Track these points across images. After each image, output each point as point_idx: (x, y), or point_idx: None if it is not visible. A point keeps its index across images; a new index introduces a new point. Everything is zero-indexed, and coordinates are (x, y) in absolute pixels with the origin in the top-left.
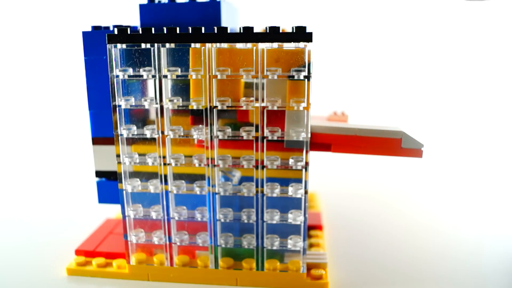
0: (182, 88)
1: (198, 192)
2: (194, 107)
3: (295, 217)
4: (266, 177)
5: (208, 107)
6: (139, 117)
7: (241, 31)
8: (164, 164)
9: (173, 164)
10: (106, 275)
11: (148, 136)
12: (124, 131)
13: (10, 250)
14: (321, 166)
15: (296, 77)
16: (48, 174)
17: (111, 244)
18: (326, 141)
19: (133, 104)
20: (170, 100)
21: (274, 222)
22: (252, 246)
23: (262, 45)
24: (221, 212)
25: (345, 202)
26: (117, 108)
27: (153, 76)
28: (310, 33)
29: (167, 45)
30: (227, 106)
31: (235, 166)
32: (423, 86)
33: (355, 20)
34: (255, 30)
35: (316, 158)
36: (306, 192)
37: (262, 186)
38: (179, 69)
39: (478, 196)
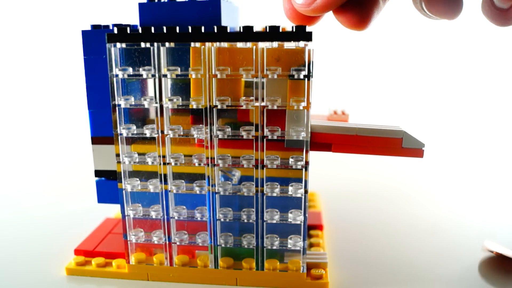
0: (182, 87)
1: (197, 192)
2: (194, 107)
3: (295, 217)
4: (266, 176)
5: (208, 107)
6: (138, 116)
7: (241, 30)
8: (164, 163)
9: (172, 164)
10: (106, 275)
11: (148, 135)
12: (124, 130)
13: (9, 250)
14: (321, 166)
15: (296, 77)
16: (47, 174)
17: (110, 244)
18: (327, 140)
19: (133, 103)
20: (169, 100)
21: (274, 221)
22: (252, 245)
23: (262, 44)
24: (221, 211)
25: (346, 202)
26: (117, 108)
27: (153, 76)
28: (310, 32)
29: (167, 44)
30: (227, 106)
31: (235, 165)
32: (423, 86)
33: None
34: (255, 29)
35: (316, 158)
36: (306, 192)
37: (262, 186)
38: (179, 68)
39: (479, 197)
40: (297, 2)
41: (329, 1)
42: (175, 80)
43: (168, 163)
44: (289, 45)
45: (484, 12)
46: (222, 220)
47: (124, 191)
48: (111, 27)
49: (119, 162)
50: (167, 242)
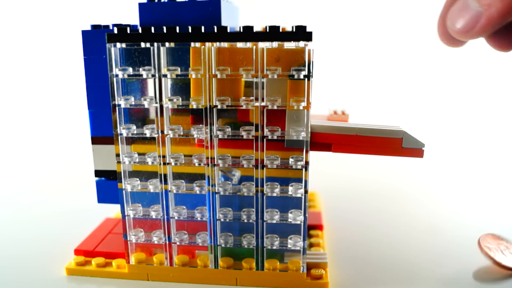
0: (182, 87)
1: (197, 192)
2: (194, 107)
3: (295, 217)
4: (266, 176)
5: (208, 107)
6: (138, 116)
7: (241, 30)
8: (164, 163)
9: (172, 164)
10: (106, 275)
11: (148, 135)
12: (124, 130)
13: (10, 250)
14: (321, 166)
15: (296, 76)
16: (47, 174)
17: (110, 244)
18: (327, 140)
19: (133, 103)
20: (169, 100)
21: (274, 221)
22: (252, 245)
23: (262, 44)
24: (221, 211)
25: (346, 202)
26: (117, 108)
27: (153, 76)
28: (310, 33)
29: (167, 44)
30: (227, 106)
31: (235, 165)
32: (424, 86)
33: (355, 20)
34: (255, 29)
35: (316, 157)
36: (306, 192)
37: (262, 186)
38: (179, 68)
39: (479, 196)
40: (454, 29)
41: (484, 29)
42: (175, 80)
43: (168, 163)
44: (289, 45)
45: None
46: (222, 220)
47: (124, 191)
48: (111, 27)
49: (119, 162)
50: (167, 242)
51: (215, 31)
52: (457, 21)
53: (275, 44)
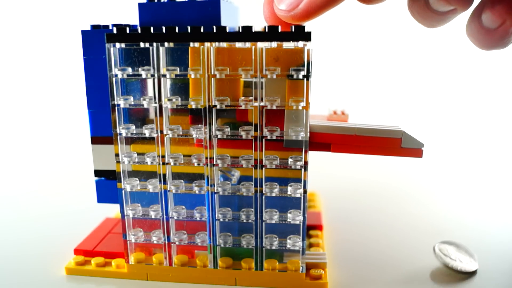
0: (181, 87)
1: (197, 192)
2: (193, 107)
3: (294, 217)
4: (265, 176)
5: (207, 107)
6: (138, 116)
7: (240, 30)
8: (163, 163)
9: (172, 164)
10: (105, 275)
11: (147, 135)
12: (123, 130)
13: (9, 249)
14: (322, 166)
15: (295, 76)
16: (47, 174)
17: (110, 244)
18: (325, 140)
19: (132, 103)
20: (169, 99)
21: (273, 221)
22: (251, 245)
23: (261, 44)
24: (220, 211)
25: (345, 202)
26: (116, 107)
27: (152, 75)
28: (309, 32)
29: (166, 44)
30: (226, 106)
31: (234, 165)
32: (423, 86)
33: (355, 20)
34: (255, 29)
35: (316, 157)
36: (305, 192)
37: (261, 186)
38: (178, 68)
39: (478, 196)
40: (279, 8)
41: (310, 10)
42: (174, 80)
43: (167, 163)
44: (288, 45)
45: (469, 33)
46: (221, 220)
47: (123, 191)
48: (110, 27)
49: (118, 162)
50: (167, 242)
51: (214, 31)
52: (280, 2)
53: (274, 44)
